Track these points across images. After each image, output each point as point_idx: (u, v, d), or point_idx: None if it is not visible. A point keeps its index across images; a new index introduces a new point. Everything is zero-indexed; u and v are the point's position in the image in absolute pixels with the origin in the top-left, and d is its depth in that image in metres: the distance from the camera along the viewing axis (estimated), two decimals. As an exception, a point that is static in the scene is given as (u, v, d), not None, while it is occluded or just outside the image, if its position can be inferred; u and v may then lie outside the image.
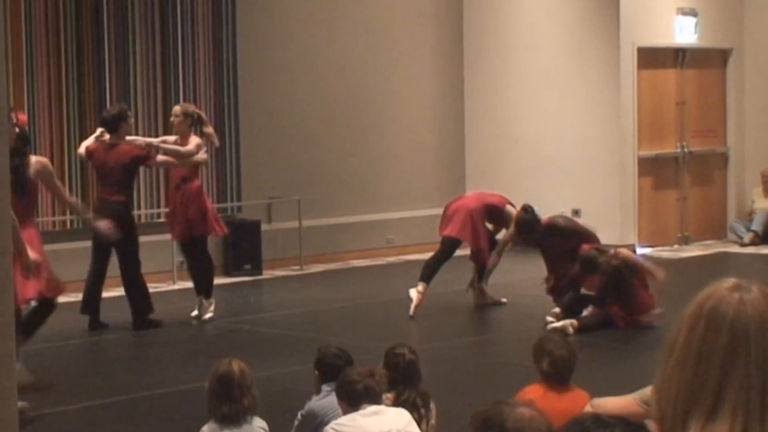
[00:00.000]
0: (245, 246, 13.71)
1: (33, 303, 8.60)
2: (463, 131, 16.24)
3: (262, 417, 5.33)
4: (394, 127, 15.53)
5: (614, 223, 14.71)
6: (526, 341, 6.56)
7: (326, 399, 5.53)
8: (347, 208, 15.03)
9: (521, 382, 5.74)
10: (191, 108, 11.15)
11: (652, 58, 15.55)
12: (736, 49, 16.48)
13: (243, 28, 14.03)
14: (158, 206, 13.32)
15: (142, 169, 11.48)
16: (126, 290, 10.68)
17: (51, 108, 12.61)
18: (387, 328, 10.34)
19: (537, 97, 15.59)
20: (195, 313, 10.99)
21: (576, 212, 14.44)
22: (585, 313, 10.29)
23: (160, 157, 10.75)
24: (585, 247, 10.51)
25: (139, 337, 10.43)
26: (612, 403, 4.41)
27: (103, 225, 10.00)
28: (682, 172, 16.08)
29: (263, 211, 14.33)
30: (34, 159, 8.86)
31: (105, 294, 10.79)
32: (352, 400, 5.10)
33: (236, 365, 5.26)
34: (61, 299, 8.87)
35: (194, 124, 10.91)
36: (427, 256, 11.61)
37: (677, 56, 15.97)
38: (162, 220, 12.95)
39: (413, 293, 10.86)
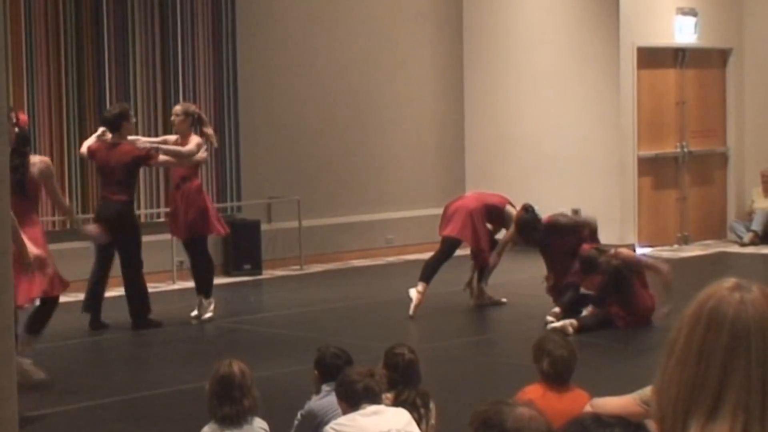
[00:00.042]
0: (245, 246, 13.71)
1: (36, 302, 8.61)
2: (463, 131, 16.24)
3: (262, 417, 5.33)
4: (394, 127, 15.53)
5: (614, 223, 14.70)
6: (526, 341, 6.56)
7: (326, 399, 5.53)
8: (347, 208, 15.03)
9: (521, 382, 5.73)
10: (192, 107, 11.15)
11: (651, 57, 15.55)
12: (736, 49, 16.48)
13: (243, 28, 14.03)
14: (158, 206, 13.32)
15: (142, 168, 11.48)
16: (126, 290, 10.68)
17: (51, 108, 12.61)
18: (387, 328, 10.34)
19: (537, 97, 15.59)
20: (195, 313, 10.99)
21: (576, 212, 14.42)
22: (585, 312, 10.29)
23: (162, 157, 10.75)
24: (585, 246, 10.51)
25: (138, 336, 10.43)
26: (612, 403, 4.41)
27: (91, 229, 10.04)
28: (681, 172, 16.08)
29: (263, 211, 14.33)
30: (38, 158, 8.89)
31: (105, 294, 10.78)
32: (351, 400, 5.10)
33: (236, 366, 5.26)
34: (62, 299, 8.88)
35: (195, 123, 10.91)
36: (427, 256, 11.61)
37: (677, 56, 15.97)
38: (162, 220, 12.95)
39: (413, 293, 10.86)
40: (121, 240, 10.48)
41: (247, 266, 13.73)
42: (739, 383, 1.92)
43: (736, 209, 16.57)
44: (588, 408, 4.46)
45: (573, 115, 15.34)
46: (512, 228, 11.08)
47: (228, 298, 12.07)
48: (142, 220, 12.84)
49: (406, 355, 5.70)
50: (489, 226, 11.40)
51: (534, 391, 5.33)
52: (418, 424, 5.31)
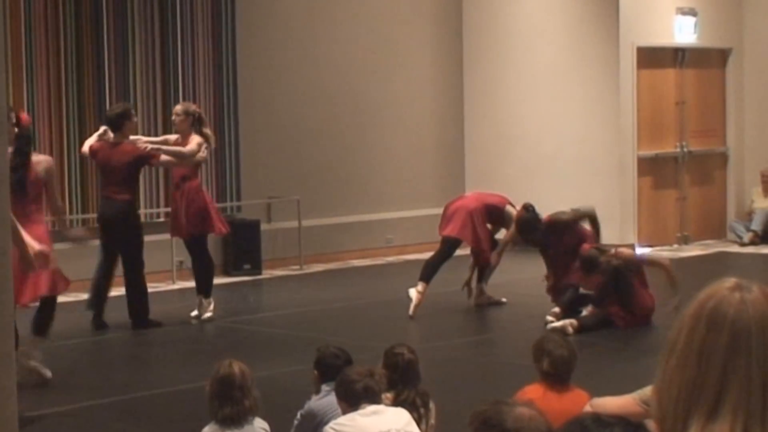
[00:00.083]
0: (245, 246, 13.71)
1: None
2: (462, 131, 16.24)
3: (262, 417, 5.33)
4: (393, 126, 15.53)
5: (614, 223, 14.70)
6: (526, 341, 6.56)
7: (326, 399, 5.53)
8: (347, 208, 15.03)
9: (521, 382, 5.73)
10: (192, 107, 11.15)
11: (651, 57, 15.55)
12: (736, 49, 16.48)
13: (243, 28, 14.03)
14: (158, 206, 13.32)
15: (142, 168, 11.47)
16: (126, 290, 10.68)
17: (50, 108, 12.61)
18: (386, 327, 10.33)
19: (536, 97, 15.59)
20: (194, 312, 10.99)
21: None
22: (584, 312, 10.29)
23: (164, 157, 10.74)
24: (586, 246, 10.51)
25: (138, 336, 10.43)
26: (611, 403, 4.41)
27: (77, 232, 10.06)
28: (681, 172, 16.08)
29: (263, 211, 14.33)
30: (42, 157, 8.94)
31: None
32: (351, 400, 5.10)
33: (236, 367, 5.26)
34: (63, 299, 8.89)
35: (195, 123, 10.90)
36: (427, 255, 11.61)
37: (677, 56, 15.97)
38: (162, 220, 12.96)
39: (413, 293, 10.86)
40: (122, 240, 10.48)
41: (246, 266, 13.73)
42: (740, 383, 1.92)
43: (735, 209, 16.57)
44: (588, 408, 4.46)
45: (573, 115, 15.34)
46: (512, 228, 11.08)
47: (228, 298, 12.07)
48: (142, 219, 12.83)
49: (405, 354, 5.70)
50: (489, 226, 11.41)
51: (534, 391, 5.33)
52: (418, 424, 5.31)
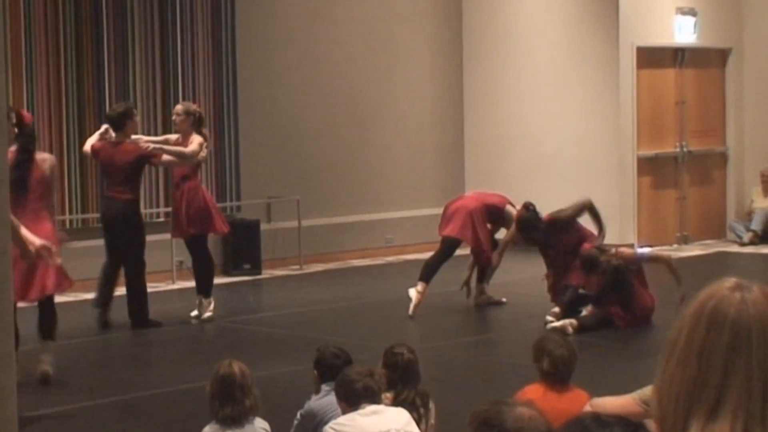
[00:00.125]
0: (244, 245, 13.70)
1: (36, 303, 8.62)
2: (462, 131, 16.24)
3: (262, 417, 5.33)
4: (393, 126, 15.53)
5: (613, 223, 14.67)
6: (526, 341, 6.56)
7: (325, 398, 5.53)
8: (346, 208, 15.03)
9: (521, 382, 5.73)
10: (193, 107, 11.15)
11: (651, 57, 15.55)
12: (736, 49, 16.48)
13: (242, 28, 14.03)
14: (158, 206, 13.32)
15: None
16: (126, 290, 10.68)
17: (50, 107, 12.61)
18: (386, 327, 10.33)
19: (536, 97, 15.59)
20: (194, 312, 10.99)
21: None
22: (584, 312, 10.29)
23: (166, 157, 10.73)
24: (586, 246, 10.51)
25: (138, 336, 10.43)
26: (611, 403, 4.41)
27: (61, 235, 10.10)
28: (681, 172, 16.08)
29: (262, 211, 14.33)
30: (46, 155, 8.97)
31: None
32: (351, 400, 5.10)
33: (236, 366, 5.26)
34: (63, 299, 8.89)
35: (196, 123, 10.90)
36: (427, 255, 11.61)
37: (676, 56, 15.97)
38: (162, 220, 12.96)
39: (412, 293, 10.86)
40: (124, 239, 10.48)
41: (246, 266, 13.73)
42: (740, 383, 1.92)
43: (735, 209, 16.57)
44: (588, 408, 4.46)
45: (572, 114, 15.34)
46: (513, 227, 11.07)
47: (227, 297, 12.07)
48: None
49: (405, 354, 5.70)
50: (488, 225, 11.40)
51: (534, 391, 5.33)
52: (418, 423, 5.31)
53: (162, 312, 10.94)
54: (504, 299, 11.52)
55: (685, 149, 16.00)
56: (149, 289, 10.82)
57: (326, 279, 13.63)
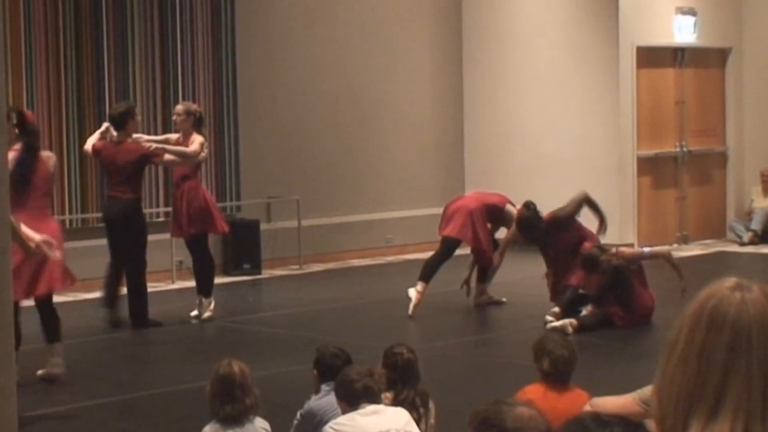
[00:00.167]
0: (244, 245, 13.70)
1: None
2: (462, 131, 16.24)
3: (262, 417, 5.33)
4: (393, 126, 15.53)
5: (613, 223, 14.63)
6: (526, 341, 6.56)
7: (325, 398, 5.53)
8: (346, 208, 15.03)
9: (521, 382, 5.73)
10: (193, 107, 11.15)
11: (651, 57, 15.55)
12: (735, 49, 16.48)
13: (242, 28, 14.03)
14: (158, 206, 13.31)
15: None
16: (127, 289, 10.68)
17: (50, 107, 12.61)
18: (386, 327, 10.33)
19: (536, 97, 15.59)
20: (194, 312, 10.99)
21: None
22: (584, 312, 10.29)
23: (167, 156, 10.73)
24: (586, 245, 10.51)
25: (138, 336, 10.43)
26: (611, 403, 4.41)
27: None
28: (681, 172, 16.08)
29: (262, 211, 14.33)
30: (48, 153, 9.02)
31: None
32: (351, 400, 5.09)
33: (236, 366, 5.26)
34: (63, 299, 8.88)
35: (196, 122, 10.89)
36: (427, 255, 11.61)
37: (676, 55, 15.97)
38: (162, 219, 12.95)
39: (412, 293, 10.86)
40: (126, 239, 10.48)
41: (246, 266, 13.73)
42: (740, 383, 1.92)
43: (735, 208, 16.57)
44: (587, 407, 4.46)
45: (572, 114, 15.34)
46: (513, 227, 11.07)
47: (227, 297, 12.07)
48: (142, 219, 12.84)
49: (404, 354, 5.70)
50: (488, 225, 11.40)
51: (534, 391, 5.33)
52: (418, 423, 5.31)
53: (162, 312, 10.94)
54: (504, 299, 11.52)
55: (684, 149, 16.00)
56: (149, 289, 10.82)
57: (326, 279, 13.63)
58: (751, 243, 15.83)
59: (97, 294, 11.08)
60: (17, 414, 4.44)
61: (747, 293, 1.98)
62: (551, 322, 10.11)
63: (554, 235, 10.73)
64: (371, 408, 5.05)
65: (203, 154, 10.90)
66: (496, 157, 15.93)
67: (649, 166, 15.62)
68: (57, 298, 8.83)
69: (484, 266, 11.38)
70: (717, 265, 14.24)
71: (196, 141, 10.74)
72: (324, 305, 11.75)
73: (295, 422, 5.65)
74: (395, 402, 5.46)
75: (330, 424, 5.10)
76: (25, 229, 7.59)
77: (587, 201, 10.99)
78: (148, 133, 12.10)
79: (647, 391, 4.20)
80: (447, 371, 8.64)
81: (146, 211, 13.03)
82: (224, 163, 13.91)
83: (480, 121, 16.10)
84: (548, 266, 10.94)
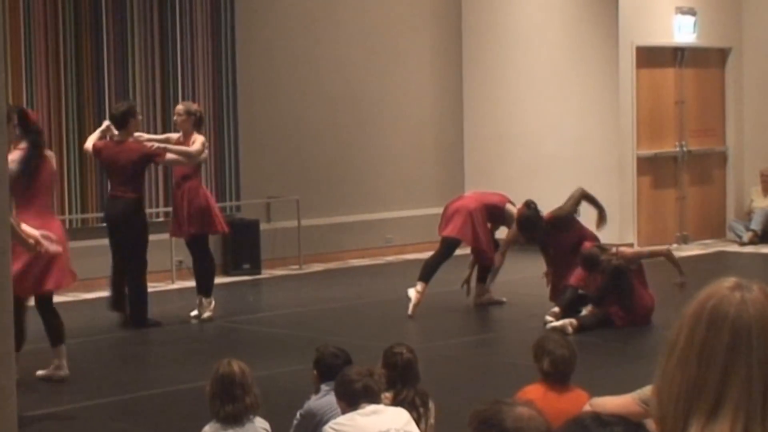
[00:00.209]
0: (244, 245, 13.70)
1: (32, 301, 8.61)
2: (462, 131, 16.23)
3: (262, 417, 5.33)
4: (393, 126, 15.53)
5: (613, 223, 14.63)
6: (526, 341, 6.56)
7: (325, 398, 5.53)
8: (346, 208, 15.03)
9: (521, 382, 5.74)
10: (194, 106, 11.15)
11: (650, 57, 15.55)
12: (735, 49, 16.48)
13: (242, 28, 14.03)
14: (158, 206, 13.31)
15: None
16: (128, 289, 10.67)
17: (50, 107, 12.60)
18: (386, 327, 10.33)
19: (536, 97, 15.59)
20: (194, 312, 10.98)
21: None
22: (584, 312, 10.29)
23: (169, 155, 10.72)
24: (587, 244, 10.52)
25: (138, 336, 10.43)
26: (611, 403, 4.41)
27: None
28: (681, 171, 16.08)
29: (262, 211, 14.33)
30: (50, 152, 9.01)
31: (103, 293, 10.79)
32: (350, 400, 5.09)
33: (236, 365, 5.26)
34: (63, 299, 8.88)
35: (197, 122, 10.89)
36: (426, 255, 11.61)
37: (676, 55, 15.97)
38: (161, 219, 12.95)
39: (412, 293, 10.85)
40: (127, 238, 10.47)
41: (246, 266, 13.72)
42: (740, 383, 1.92)
43: (735, 208, 16.57)
44: (587, 407, 4.46)
45: (572, 114, 15.33)
46: (514, 226, 11.07)
47: (227, 297, 12.06)
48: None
49: (404, 354, 5.70)
50: (488, 225, 11.40)
51: (534, 391, 5.33)
52: (417, 423, 5.31)
53: (162, 312, 10.94)
54: (504, 299, 11.52)
55: (684, 149, 16.00)
56: (149, 289, 10.81)
57: (326, 279, 13.63)
58: (751, 243, 15.83)
59: (97, 294, 11.09)
60: (17, 414, 4.44)
61: (747, 293, 1.98)
62: (551, 322, 10.11)
63: (554, 235, 10.74)
64: (371, 408, 5.05)
65: (204, 155, 10.91)
66: (496, 157, 15.93)
67: (648, 166, 15.62)
68: (57, 298, 8.83)
69: (485, 266, 11.38)
70: (717, 265, 14.24)
71: (198, 141, 10.73)
72: (324, 305, 11.75)
73: (295, 422, 5.65)
74: (395, 402, 5.46)
75: (330, 424, 5.10)
76: (25, 227, 7.60)
77: (584, 196, 11.01)
78: (148, 133, 12.11)
79: (647, 391, 4.19)
80: (447, 371, 8.64)
81: (146, 210, 13.05)
82: (224, 163, 13.91)
83: (480, 121, 16.10)
84: (548, 266, 10.94)
